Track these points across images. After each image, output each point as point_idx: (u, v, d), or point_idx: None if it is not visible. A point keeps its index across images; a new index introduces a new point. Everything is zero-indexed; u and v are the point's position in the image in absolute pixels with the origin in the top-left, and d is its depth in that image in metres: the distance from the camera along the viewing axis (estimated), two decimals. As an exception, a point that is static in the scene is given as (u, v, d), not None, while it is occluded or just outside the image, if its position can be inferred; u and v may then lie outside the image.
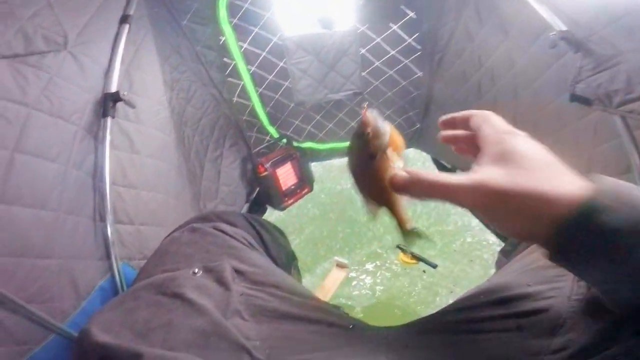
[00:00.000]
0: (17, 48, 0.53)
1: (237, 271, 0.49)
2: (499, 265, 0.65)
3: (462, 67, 1.23)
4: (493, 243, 1.39)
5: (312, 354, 0.40)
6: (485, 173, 0.28)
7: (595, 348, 0.30)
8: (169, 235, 0.59)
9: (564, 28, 0.78)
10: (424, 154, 1.65)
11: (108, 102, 0.66)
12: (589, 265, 0.26)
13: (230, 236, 0.55)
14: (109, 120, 0.66)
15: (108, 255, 0.64)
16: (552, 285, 0.38)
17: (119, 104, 0.68)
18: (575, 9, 0.76)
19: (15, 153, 0.51)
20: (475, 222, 1.43)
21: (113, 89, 0.68)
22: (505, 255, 0.67)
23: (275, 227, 0.69)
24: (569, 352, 0.32)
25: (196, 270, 0.46)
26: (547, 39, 0.83)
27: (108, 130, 0.66)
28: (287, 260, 0.67)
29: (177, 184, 0.88)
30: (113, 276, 0.64)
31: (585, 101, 0.80)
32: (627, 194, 0.25)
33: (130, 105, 0.68)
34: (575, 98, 0.82)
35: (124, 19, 0.76)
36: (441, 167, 1.57)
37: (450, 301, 1.23)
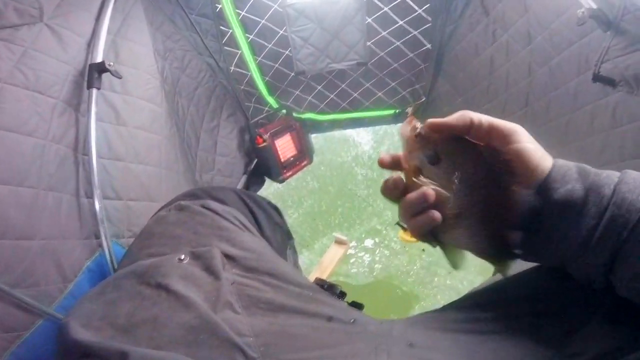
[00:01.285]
0: (-14, 23, 0.49)
1: (228, 256, 0.45)
2: None
3: (474, 41, 1.17)
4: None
5: (310, 352, 0.38)
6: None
7: (612, 355, 0.29)
8: (155, 214, 0.55)
9: (594, 6, 0.71)
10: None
11: (93, 73, 0.61)
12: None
13: (220, 215, 0.51)
14: (94, 91, 0.61)
15: (96, 234, 0.61)
16: (571, 284, 0.36)
17: (104, 75, 0.63)
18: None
19: (-13, 128, 0.47)
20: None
21: (98, 59, 0.63)
22: None
23: (269, 203, 0.63)
24: (585, 357, 0.30)
25: (182, 257, 0.42)
26: (573, 16, 0.77)
27: (94, 102, 0.61)
28: (283, 240, 0.62)
29: (169, 155, 0.84)
30: (102, 256, 0.62)
31: (609, 82, 0.75)
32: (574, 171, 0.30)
33: (117, 75, 0.63)
34: (598, 78, 0.77)
35: None
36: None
37: (448, 282, 1.25)
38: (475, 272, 1.22)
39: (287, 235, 0.65)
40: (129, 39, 0.76)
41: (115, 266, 0.63)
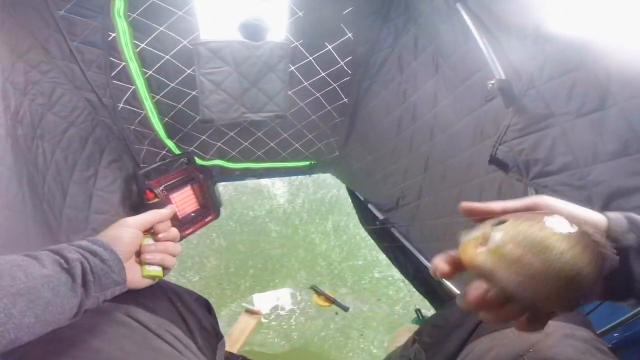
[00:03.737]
0: None
1: None
2: None
3: (387, 99, 1.18)
4: (398, 279, 1.40)
5: None
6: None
7: None
8: None
9: (503, 76, 0.70)
10: (339, 181, 1.59)
11: None
12: None
13: (153, 332, 0.44)
14: None
15: None
16: None
17: None
18: (522, 57, 0.68)
19: None
20: (382, 257, 1.42)
21: None
22: (425, 349, 0.60)
23: (198, 298, 0.57)
24: None
25: None
26: (477, 83, 0.77)
27: None
28: (212, 346, 0.55)
29: (9, 228, 0.61)
30: None
31: (503, 167, 0.76)
32: None
33: None
34: (494, 161, 0.77)
35: None
36: (354, 197, 1.52)
37: (362, 345, 1.21)
38: (384, 331, 1.24)
39: (217, 337, 0.58)
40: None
41: None
